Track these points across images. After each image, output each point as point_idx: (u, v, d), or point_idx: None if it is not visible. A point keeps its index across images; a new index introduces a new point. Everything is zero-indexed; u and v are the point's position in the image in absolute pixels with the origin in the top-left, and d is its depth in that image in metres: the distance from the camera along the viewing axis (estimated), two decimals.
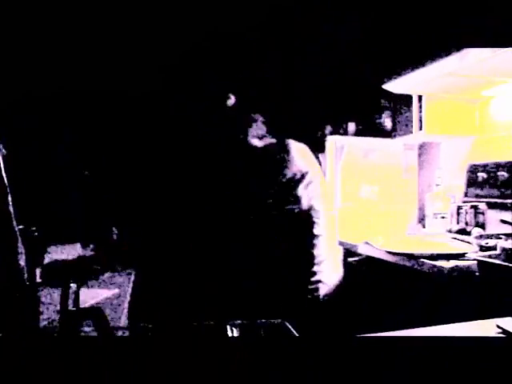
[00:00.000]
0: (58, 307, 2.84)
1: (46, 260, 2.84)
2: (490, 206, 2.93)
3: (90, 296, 2.82)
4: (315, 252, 2.45)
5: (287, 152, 2.55)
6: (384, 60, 2.86)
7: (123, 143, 2.90)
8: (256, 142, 2.51)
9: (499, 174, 2.90)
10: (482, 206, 2.97)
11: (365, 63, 2.90)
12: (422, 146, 3.72)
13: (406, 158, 3.63)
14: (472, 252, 2.29)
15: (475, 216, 3.00)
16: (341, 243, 3.14)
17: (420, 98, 3.15)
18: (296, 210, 2.54)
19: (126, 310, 2.64)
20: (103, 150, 2.89)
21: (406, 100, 3.21)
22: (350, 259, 3.01)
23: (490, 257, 2.09)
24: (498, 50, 2.14)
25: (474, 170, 3.12)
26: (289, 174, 2.54)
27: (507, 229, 2.53)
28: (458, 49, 2.28)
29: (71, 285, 2.83)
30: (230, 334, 2.16)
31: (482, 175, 3.03)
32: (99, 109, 2.91)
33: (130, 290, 2.64)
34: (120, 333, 2.65)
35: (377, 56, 2.79)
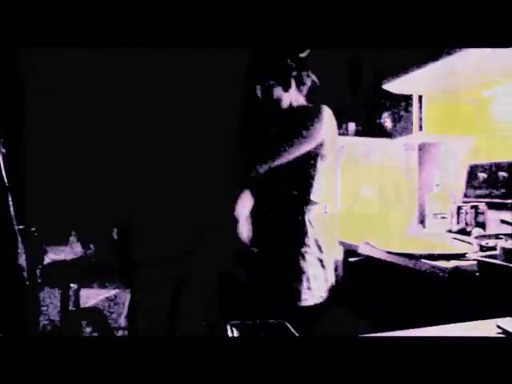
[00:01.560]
0: (58, 307, 2.84)
1: (46, 260, 2.84)
2: (490, 206, 2.93)
3: (90, 296, 2.82)
4: (306, 253, 2.43)
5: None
6: (384, 59, 2.86)
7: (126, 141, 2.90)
8: None
9: (499, 174, 2.90)
10: (482, 206, 2.97)
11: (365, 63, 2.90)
12: (422, 146, 3.73)
13: (407, 159, 3.63)
14: (472, 252, 2.29)
15: (475, 216, 3.00)
16: (341, 243, 3.14)
17: (420, 98, 3.15)
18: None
19: (126, 310, 2.64)
20: (107, 148, 2.90)
21: (406, 100, 3.22)
22: (350, 259, 3.01)
23: (490, 257, 2.09)
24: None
25: (474, 170, 3.13)
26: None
27: (507, 229, 2.53)
28: (457, 49, 2.28)
29: (71, 285, 2.83)
30: (230, 334, 2.16)
31: (482, 175, 3.03)
32: (103, 103, 2.91)
33: (129, 290, 2.64)
34: (120, 333, 2.65)
35: (377, 55, 2.80)
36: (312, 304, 2.40)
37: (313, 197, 2.47)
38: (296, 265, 2.41)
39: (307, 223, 2.45)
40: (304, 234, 2.44)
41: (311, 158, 2.47)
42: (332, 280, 2.52)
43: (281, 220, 2.46)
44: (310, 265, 2.43)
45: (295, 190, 2.45)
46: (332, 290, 2.47)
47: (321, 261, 2.47)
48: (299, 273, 2.41)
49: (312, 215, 2.47)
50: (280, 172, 2.43)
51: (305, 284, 2.41)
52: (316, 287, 2.43)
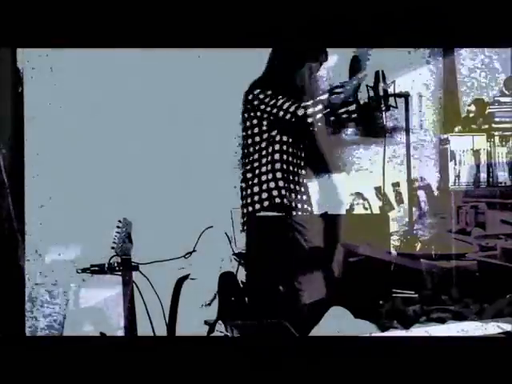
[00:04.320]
0: (59, 307, 2.84)
1: (46, 260, 2.84)
2: (490, 206, 2.93)
3: (90, 296, 2.82)
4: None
5: None
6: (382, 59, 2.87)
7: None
8: None
9: (499, 174, 2.90)
10: (482, 206, 2.97)
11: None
12: (422, 146, 3.72)
13: (407, 158, 3.62)
14: (472, 252, 2.29)
15: (475, 216, 2.99)
16: (341, 243, 3.13)
17: (420, 98, 3.15)
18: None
19: (126, 310, 2.64)
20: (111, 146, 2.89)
21: (405, 100, 3.21)
22: (350, 259, 3.01)
23: (490, 257, 2.10)
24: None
25: (474, 169, 3.12)
26: None
27: (507, 229, 2.54)
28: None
29: (71, 285, 2.83)
30: (229, 334, 2.16)
31: (482, 175, 3.03)
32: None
33: (129, 290, 2.64)
34: (120, 333, 2.64)
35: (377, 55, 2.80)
36: (308, 303, 2.41)
37: (303, 198, 2.50)
38: (289, 265, 2.42)
39: (297, 225, 2.46)
40: (295, 234, 2.45)
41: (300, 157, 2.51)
42: (328, 279, 2.53)
43: (272, 221, 2.47)
44: (302, 265, 2.43)
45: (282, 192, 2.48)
46: (331, 290, 2.47)
47: (312, 260, 2.48)
48: (292, 273, 2.41)
49: (302, 216, 2.49)
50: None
51: (299, 284, 2.41)
52: (311, 287, 2.43)
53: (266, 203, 2.49)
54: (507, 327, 1.42)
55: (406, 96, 3.16)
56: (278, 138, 2.51)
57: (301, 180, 2.61)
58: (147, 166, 2.95)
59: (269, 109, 2.49)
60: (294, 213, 2.52)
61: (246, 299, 2.55)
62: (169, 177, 2.93)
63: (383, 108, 3.08)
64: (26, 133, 2.84)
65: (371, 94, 2.98)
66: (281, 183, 2.50)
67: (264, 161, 2.52)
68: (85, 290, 2.84)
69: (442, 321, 2.17)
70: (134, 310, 2.34)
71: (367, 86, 2.95)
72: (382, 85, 2.96)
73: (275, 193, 2.49)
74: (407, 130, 3.23)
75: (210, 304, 2.65)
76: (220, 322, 2.41)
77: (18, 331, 2.56)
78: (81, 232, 2.87)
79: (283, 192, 2.50)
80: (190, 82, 2.99)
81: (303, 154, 2.64)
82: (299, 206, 2.56)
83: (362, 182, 3.39)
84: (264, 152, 2.52)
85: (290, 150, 2.55)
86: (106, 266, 2.37)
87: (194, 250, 2.66)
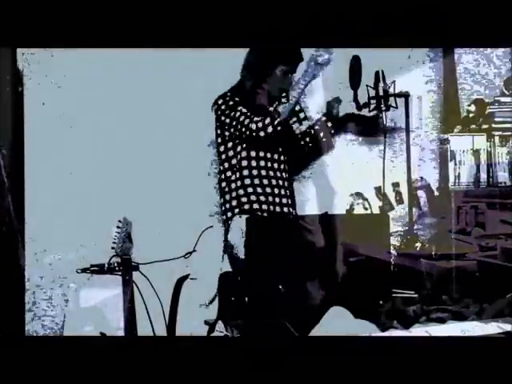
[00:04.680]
0: (59, 307, 2.84)
1: (46, 260, 2.84)
2: (490, 206, 2.94)
3: (90, 296, 2.82)
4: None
5: None
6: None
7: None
8: None
9: (499, 174, 2.90)
10: (482, 206, 2.97)
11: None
12: (422, 146, 3.72)
13: (407, 158, 3.62)
14: (472, 252, 2.30)
15: (475, 216, 3.00)
16: (341, 243, 3.13)
17: (420, 98, 3.16)
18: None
19: (126, 310, 2.64)
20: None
21: (405, 100, 3.21)
22: (350, 259, 3.01)
23: (489, 257, 2.10)
24: None
25: (474, 169, 3.13)
26: None
27: (507, 229, 2.54)
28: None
29: (71, 285, 2.83)
30: (229, 334, 2.16)
31: (482, 175, 3.03)
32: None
33: (129, 290, 2.65)
34: (120, 333, 2.65)
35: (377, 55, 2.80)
36: (308, 303, 2.41)
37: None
38: (289, 265, 2.43)
39: (297, 225, 2.48)
40: (295, 234, 2.46)
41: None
42: (328, 279, 2.54)
43: (272, 222, 2.49)
44: (302, 265, 2.44)
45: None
46: (331, 290, 2.48)
47: (313, 260, 2.50)
48: (292, 273, 2.42)
49: (302, 216, 2.50)
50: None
51: (299, 284, 2.42)
52: (311, 287, 2.44)
53: (236, 210, 2.56)
54: (507, 327, 1.42)
55: (406, 96, 3.16)
56: (244, 145, 2.56)
57: (276, 183, 2.63)
58: (147, 166, 2.95)
59: (228, 120, 2.54)
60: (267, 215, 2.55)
61: (246, 299, 2.55)
62: (169, 176, 2.93)
63: (383, 108, 3.09)
64: (26, 133, 2.85)
65: (371, 94, 3.00)
66: (250, 189, 2.54)
67: (233, 169, 2.57)
68: (85, 290, 2.84)
69: (442, 321, 2.18)
70: (134, 310, 2.34)
71: (367, 85, 2.96)
72: (381, 85, 2.96)
73: (244, 199, 2.54)
74: (407, 130, 3.23)
75: (209, 304, 2.65)
76: (220, 321, 2.41)
77: (18, 331, 2.56)
78: (81, 232, 2.87)
79: (252, 198, 2.53)
80: (190, 82, 2.99)
81: (275, 158, 2.66)
82: (276, 209, 2.59)
83: (363, 180, 3.39)
84: (232, 161, 2.60)
85: (259, 154, 2.58)
86: (106, 266, 2.37)
87: (194, 250, 2.66)
